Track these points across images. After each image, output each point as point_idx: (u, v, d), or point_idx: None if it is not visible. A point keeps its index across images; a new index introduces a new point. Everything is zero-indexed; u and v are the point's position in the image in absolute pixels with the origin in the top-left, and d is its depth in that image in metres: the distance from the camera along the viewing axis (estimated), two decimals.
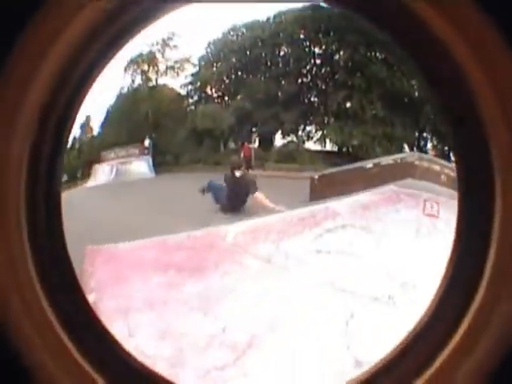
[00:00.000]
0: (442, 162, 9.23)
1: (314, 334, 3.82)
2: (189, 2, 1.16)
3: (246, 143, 24.24)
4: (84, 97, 1.13)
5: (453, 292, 1.10)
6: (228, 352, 3.79)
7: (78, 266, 4.16)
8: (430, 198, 4.80)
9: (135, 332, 3.89)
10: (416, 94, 23.72)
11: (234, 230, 4.81)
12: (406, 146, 25.01)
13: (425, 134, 25.43)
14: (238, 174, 9.37)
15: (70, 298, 1.16)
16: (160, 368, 3.33)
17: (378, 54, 24.19)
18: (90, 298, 3.96)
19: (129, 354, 1.21)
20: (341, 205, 4.88)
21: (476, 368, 1.04)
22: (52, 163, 1.11)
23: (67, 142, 1.19)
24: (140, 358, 1.21)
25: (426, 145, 25.47)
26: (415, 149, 24.86)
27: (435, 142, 24.92)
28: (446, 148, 22.56)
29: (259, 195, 9.16)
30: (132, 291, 4.18)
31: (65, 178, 26.99)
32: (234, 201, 9.50)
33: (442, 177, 8.33)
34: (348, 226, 4.49)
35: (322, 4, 1.38)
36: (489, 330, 1.03)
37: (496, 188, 1.02)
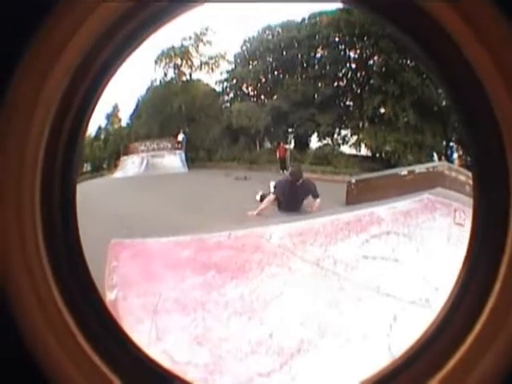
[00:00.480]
0: (468, 172, 9.31)
1: (359, 338, 3.86)
2: (203, 3, 1.15)
3: (281, 143, 24.26)
4: (100, 94, 1.14)
5: (466, 294, 1.10)
6: (275, 358, 3.69)
7: (102, 260, 4.08)
8: (458, 207, 5.00)
9: (164, 335, 3.72)
10: (443, 103, 23.70)
11: (280, 231, 4.66)
12: (435, 155, 24.94)
13: (451, 144, 25.27)
14: (298, 183, 9.32)
15: (86, 298, 1.16)
16: (193, 375, 3.30)
17: (409, 62, 24.05)
18: (112, 294, 3.89)
19: (145, 355, 1.22)
20: (383, 210, 5.00)
21: (489, 370, 1.04)
22: (68, 159, 1.11)
23: (83, 140, 1.17)
24: (167, 363, 1.24)
25: (452, 154, 25.36)
26: (443, 158, 24.91)
27: (461, 152, 24.70)
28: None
29: (317, 202, 9.34)
30: (163, 290, 3.99)
31: (88, 168, 27.67)
32: (291, 203, 9.47)
33: (467, 187, 8.40)
34: (392, 232, 4.65)
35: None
36: (502, 332, 1.03)
37: (511, 189, 1.02)
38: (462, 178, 9.18)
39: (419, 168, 10.21)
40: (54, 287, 1.08)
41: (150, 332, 3.66)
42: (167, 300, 3.93)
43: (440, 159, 24.62)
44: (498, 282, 1.03)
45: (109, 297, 3.80)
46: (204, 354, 3.62)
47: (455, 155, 25.27)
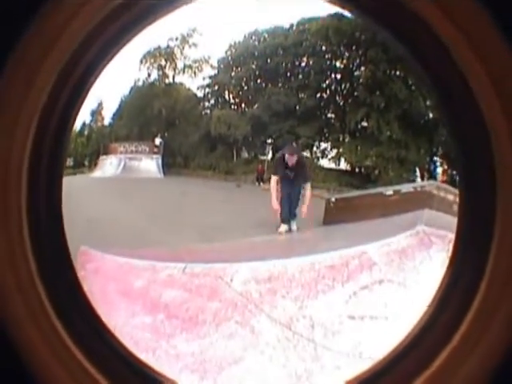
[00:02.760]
0: (456, 190, 8.99)
1: None
2: (190, 2, 1.16)
3: (261, 165, 23.70)
4: (87, 91, 1.13)
5: (452, 294, 1.10)
6: None
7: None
8: (452, 238, 4.37)
9: None
10: (431, 115, 23.78)
11: (244, 272, 4.07)
12: (417, 170, 25.01)
13: (435, 158, 25.39)
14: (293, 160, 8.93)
15: (72, 299, 1.16)
16: None
17: (398, 72, 24.16)
18: None
19: (132, 355, 1.21)
20: (376, 250, 4.28)
21: (475, 370, 1.04)
22: (54, 155, 1.11)
23: (69, 136, 1.17)
24: None
25: (435, 169, 25.49)
26: (425, 173, 24.92)
27: (445, 167, 24.82)
28: (455, 172, 22.44)
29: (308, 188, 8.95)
30: (115, 321, 3.57)
31: (71, 162, 27.63)
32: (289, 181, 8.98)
33: (454, 207, 8.03)
34: (385, 280, 3.97)
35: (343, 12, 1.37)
36: (488, 334, 1.03)
37: (497, 185, 1.01)
38: (451, 196, 8.80)
39: (406, 188, 9.77)
40: (40, 288, 1.06)
41: None
42: (121, 333, 3.37)
43: (422, 174, 24.85)
44: (484, 282, 1.03)
45: None
46: None
47: (439, 170, 25.49)
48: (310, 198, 8.78)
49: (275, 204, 8.66)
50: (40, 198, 1.10)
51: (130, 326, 3.64)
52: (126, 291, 4.07)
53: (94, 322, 1.20)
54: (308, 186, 8.94)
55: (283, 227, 8.48)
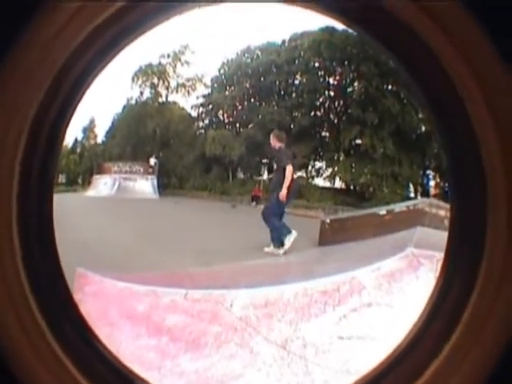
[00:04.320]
0: (447, 205, 9.06)
1: None
2: (190, 9, 1.16)
3: (258, 186, 23.93)
4: (79, 100, 1.14)
5: (443, 305, 1.11)
6: None
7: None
8: (441, 257, 4.49)
9: None
10: (423, 128, 23.93)
11: (242, 298, 4.21)
12: (410, 185, 25.08)
13: (428, 172, 25.54)
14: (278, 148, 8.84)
15: (61, 307, 1.16)
16: None
17: (390, 87, 24.38)
18: None
19: (120, 362, 1.22)
20: (366, 274, 4.43)
21: (466, 380, 1.05)
22: (45, 167, 1.11)
23: (60, 148, 1.18)
24: None
25: (428, 182, 25.64)
26: (419, 187, 25.03)
27: (438, 180, 24.95)
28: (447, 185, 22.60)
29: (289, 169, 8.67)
30: (119, 342, 3.65)
31: (63, 179, 28.34)
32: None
33: (446, 221, 8.10)
34: (373, 304, 4.12)
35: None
36: (479, 343, 1.04)
37: (487, 197, 1.03)
38: (442, 212, 8.84)
39: (399, 207, 9.88)
40: (32, 302, 1.07)
41: None
42: (126, 351, 3.55)
43: (416, 189, 24.91)
44: (474, 293, 1.04)
45: None
46: None
47: (431, 183, 25.61)
48: (288, 180, 8.50)
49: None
50: (31, 206, 1.10)
51: (135, 347, 3.70)
52: (129, 315, 4.09)
53: (88, 336, 1.21)
54: (288, 168, 8.61)
55: (270, 248, 8.35)
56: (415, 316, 1.19)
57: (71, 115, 1.14)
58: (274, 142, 8.76)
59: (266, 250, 8.28)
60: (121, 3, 1.05)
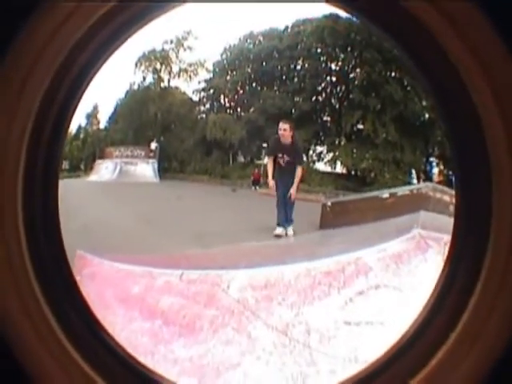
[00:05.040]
0: (452, 191, 8.93)
1: None
2: (183, 3, 1.17)
3: (256, 170, 23.66)
4: (82, 94, 1.14)
5: (448, 294, 1.10)
6: None
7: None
8: (448, 241, 4.33)
9: None
10: (427, 115, 23.71)
11: (240, 279, 4.04)
12: (413, 171, 24.96)
13: (431, 159, 25.33)
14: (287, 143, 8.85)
15: (69, 299, 1.16)
16: None
17: (393, 74, 24.12)
18: None
19: (129, 355, 1.21)
20: (371, 255, 4.20)
21: (472, 369, 1.04)
22: (49, 157, 1.11)
23: (65, 138, 1.18)
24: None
25: (431, 169, 25.40)
26: (421, 174, 24.81)
27: (441, 167, 24.71)
28: (451, 173, 22.37)
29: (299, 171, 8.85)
30: (113, 326, 3.30)
31: (66, 166, 28.02)
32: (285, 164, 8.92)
33: (451, 207, 7.97)
34: (381, 286, 3.95)
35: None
36: (484, 332, 1.03)
37: (493, 185, 1.02)
38: (447, 197, 8.71)
39: (402, 190, 9.71)
40: (37, 289, 1.07)
41: None
42: (119, 337, 3.29)
43: (418, 175, 24.74)
44: (480, 282, 1.04)
45: None
46: None
47: (435, 170, 25.34)
48: (299, 179, 8.81)
49: (271, 181, 8.83)
50: (36, 195, 1.10)
51: (129, 331, 3.60)
52: (123, 297, 4.01)
53: (92, 323, 1.21)
54: (299, 168, 8.84)
55: (279, 230, 8.45)
56: (425, 300, 1.09)
57: (73, 112, 1.14)
58: (287, 134, 8.66)
59: (276, 232, 8.47)
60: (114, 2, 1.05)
